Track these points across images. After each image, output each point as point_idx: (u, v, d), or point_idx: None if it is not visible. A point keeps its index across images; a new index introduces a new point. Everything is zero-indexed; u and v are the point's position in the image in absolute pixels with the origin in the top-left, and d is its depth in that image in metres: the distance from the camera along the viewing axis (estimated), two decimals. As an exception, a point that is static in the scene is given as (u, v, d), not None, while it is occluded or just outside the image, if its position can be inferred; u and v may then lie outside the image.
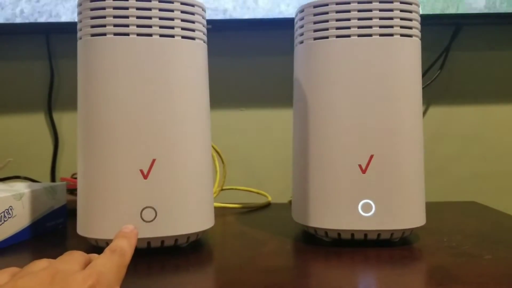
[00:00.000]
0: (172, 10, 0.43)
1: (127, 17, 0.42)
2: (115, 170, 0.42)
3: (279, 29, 0.77)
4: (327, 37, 0.46)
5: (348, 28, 0.45)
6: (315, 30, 0.47)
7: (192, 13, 0.45)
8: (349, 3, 0.45)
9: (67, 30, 0.67)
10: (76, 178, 0.48)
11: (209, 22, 0.50)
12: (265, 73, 0.82)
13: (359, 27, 0.45)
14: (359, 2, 0.45)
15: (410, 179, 0.46)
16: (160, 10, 0.43)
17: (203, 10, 0.46)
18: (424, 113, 0.81)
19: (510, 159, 0.82)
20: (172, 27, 0.43)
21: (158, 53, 0.43)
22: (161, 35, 0.43)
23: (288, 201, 0.71)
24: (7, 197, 0.47)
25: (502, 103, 0.82)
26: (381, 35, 0.45)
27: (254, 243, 0.49)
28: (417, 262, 0.43)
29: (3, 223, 0.46)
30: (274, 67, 0.81)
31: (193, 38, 0.45)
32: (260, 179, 0.81)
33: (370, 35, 0.45)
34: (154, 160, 0.43)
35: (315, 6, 0.46)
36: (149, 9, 0.43)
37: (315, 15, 0.47)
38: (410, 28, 0.46)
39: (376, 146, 0.45)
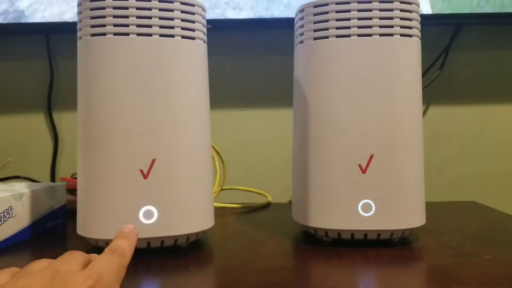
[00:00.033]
0: (172, 10, 0.43)
1: (127, 17, 0.42)
2: (115, 170, 0.42)
3: (279, 29, 0.77)
4: (327, 37, 0.46)
5: (348, 28, 0.45)
6: (315, 30, 0.47)
7: (192, 13, 0.45)
8: (349, 3, 0.45)
9: (67, 30, 0.67)
10: (76, 178, 0.48)
11: (209, 22, 0.50)
12: (265, 73, 0.82)
13: (359, 27, 0.45)
14: (359, 2, 0.45)
15: (410, 179, 0.46)
16: (160, 10, 0.43)
17: (203, 10, 0.46)
18: (424, 113, 0.81)
19: (510, 159, 0.82)
20: (172, 27, 0.43)
21: (158, 53, 0.43)
22: (161, 35, 0.43)
23: (288, 201, 0.71)
24: (7, 197, 0.47)
25: (502, 103, 0.82)
26: (381, 35, 0.45)
27: (254, 243, 0.49)
28: (417, 262, 0.43)
29: (3, 223, 0.46)
30: (274, 67, 0.81)
31: (193, 38, 0.45)
32: (260, 179, 0.81)
33: (370, 35, 0.45)
34: (154, 160, 0.43)
35: (315, 6, 0.46)
36: (149, 9, 0.43)
37: (315, 15, 0.47)
38: (410, 28, 0.46)
39: (376, 146, 0.45)
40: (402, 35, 0.45)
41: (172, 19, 0.43)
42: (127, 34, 0.42)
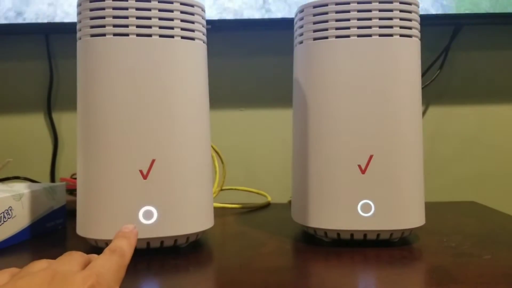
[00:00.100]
0: (171, 11, 0.43)
1: (126, 17, 0.42)
2: (115, 170, 0.42)
3: (279, 29, 0.77)
4: (326, 37, 0.46)
5: (348, 28, 0.45)
6: (315, 30, 0.47)
7: (192, 13, 0.45)
8: (348, 3, 0.45)
9: (67, 30, 0.67)
10: (75, 178, 0.48)
11: (209, 22, 0.50)
12: (265, 73, 0.82)
13: (358, 27, 0.45)
14: (358, 2, 0.45)
15: (410, 179, 0.46)
16: (160, 10, 0.43)
17: (203, 10, 0.46)
18: (424, 113, 0.81)
19: (510, 159, 0.82)
20: (172, 28, 0.43)
21: (158, 54, 0.43)
22: (160, 36, 0.43)
23: (287, 201, 0.71)
24: (7, 197, 0.47)
25: (501, 103, 0.82)
26: (380, 35, 0.45)
27: (254, 243, 0.49)
28: (417, 262, 0.43)
29: (2, 223, 0.46)
30: (274, 67, 0.81)
31: (192, 39, 0.45)
32: (260, 179, 0.81)
33: (369, 35, 0.45)
34: (153, 161, 0.43)
35: (314, 6, 0.47)
36: (149, 9, 0.43)
37: (314, 15, 0.47)
38: (410, 28, 0.46)
39: (376, 146, 0.45)
40: (401, 35, 0.45)
41: (171, 19, 0.43)
42: (127, 34, 0.42)
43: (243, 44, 0.81)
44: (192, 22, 0.45)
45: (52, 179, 0.82)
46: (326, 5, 0.46)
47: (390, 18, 0.45)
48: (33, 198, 0.51)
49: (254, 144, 0.82)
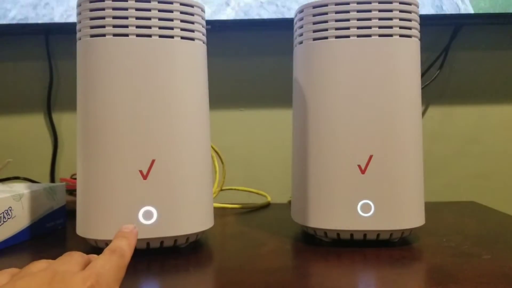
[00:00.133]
0: (171, 11, 0.43)
1: (126, 18, 0.42)
2: (115, 170, 0.42)
3: (279, 29, 0.77)
4: (326, 38, 0.46)
5: (348, 28, 0.45)
6: (315, 31, 0.47)
7: (192, 14, 0.45)
8: (348, 3, 0.45)
9: (67, 30, 0.67)
10: (75, 178, 0.48)
11: (209, 22, 0.50)
12: (265, 73, 0.82)
13: (358, 28, 0.45)
14: (358, 3, 0.45)
15: (409, 179, 0.46)
16: (160, 10, 0.43)
17: (203, 10, 0.46)
18: (423, 113, 0.82)
19: (509, 159, 0.82)
20: (172, 28, 0.43)
21: (158, 54, 0.43)
22: (160, 36, 0.43)
23: (287, 201, 0.71)
24: (7, 197, 0.47)
25: (501, 103, 0.82)
26: (380, 35, 0.45)
27: (254, 244, 0.49)
28: (417, 262, 0.43)
29: (2, 224, 0.46)
30: (274, 67, 0.81)
31: (192, 39, 0.45)
32: (260, 179, 0.81)
33: (369, 36, 0.45)
34: (153, 161, 0.43)
35: (314, 7, 0.47)
36: (149, 9, 0.43)
37: (314, 15, 0.47)
38: (410, 28, 0.46)
39: (375, 146, 0.45)
40: (401, 35, 0.45)
41: (171, 20, 0.43)
42: (127, 35, 0.42)
43: (243, 44, 0.81)
44: (192, 23, 0.45)
45: (52, 180, 0.82)
46: (326, 5, 0.46)
47: (390, 18, 0.45)
48: (33, 199, 0.51)
49: (254, 144, 0.82)
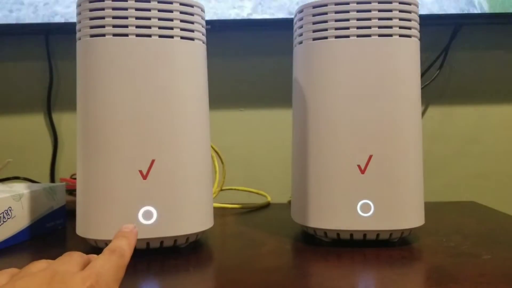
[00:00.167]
0: (171, 11, 0.43)
1: (126, 17, 0.42)
2: (114, 170, 0.42)
3: (279, 29, 0.77)
4: (326, 38, 0.46)
5: (347, 28, 0.45)
6: (314, 31, 0.47)
7: (191, 14, 0.45)
8: (348, 3, 0.45)
9: (67, 30, 0.67)
10: (75, 178, 0.48)
11: (208, 22, 0.50)
12: (265, 73, 0.82)
13: (358, 28, 0.45)
14: (358, 3, 0.45)
15: (409, 179, 0.46)
16: (159, 10, 0.43)
17: (202, 10, 0.46)
18: (423, 113, 0.82)
19: (509, 159, 0.82)
20: (171, 28, 0.43)
21: (157, 54, 0.43)
22: (160, 36, 0.43)
23: (287, 201, 0.71)
24: (6, 197, 0.47)
25: (501, 103, 0.82)
26: (380, 35, 0.45)
27: (254, 243, 0.49)
28: (416, 262, 0.43)
29: (2, 224, 0.46)
30: (274, 67, 0.81)
31: (192, 39, 0.45)
32: (260, 179, 0.81)
33: (369, 36, 0.45)
34: (153, 161, 0.43)
35: (314, 7, 0.47)
36: (148, 9, 0.43)
37: (314, 15, 0.47)
38: (409, 28, 0.46)
39: (375, 146, 0.45)
40: (401, 35, 0.45)
41: (171, 20, 0.43)
42: (126, 35, 0.42)
43: (243, 44, 0.82)
44: (192, 23, 0.45)
45: (52, 180, 0.82)
46: (326, 5, 0.46)
47: (390, 18, 0.45)
48: (33, 199, 0.51)
49: (254, 144, 0.82)
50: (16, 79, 0.83)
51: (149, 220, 0.43)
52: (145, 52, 0.42)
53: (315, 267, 0.42)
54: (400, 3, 0.45)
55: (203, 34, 0.46)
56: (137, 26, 0.42)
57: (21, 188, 0.53)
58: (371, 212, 0.45)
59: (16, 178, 0.70)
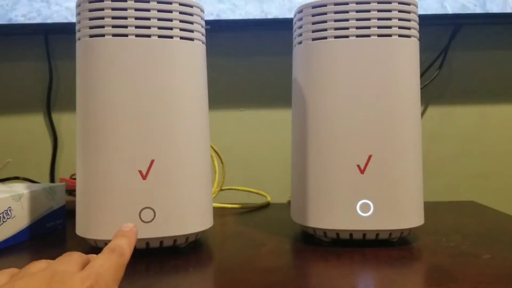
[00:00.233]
0: (170, 11, 0.43)
1: (125, 18, 0.42)
2: (114, 170, 0.42)
3: (279, 29, 0.77)
4: (325, 38, 0.46)
5: (347, 28, 0.45)
6: (314, 31, 0.47)
7: (191, 14, 0.45)
8: (347, 3, 0.45)
9: (66, 31, 0.67)
10: (75, 178, 0.48)
11: (208, 22, 0.50)
12: (264, 74, 0.82)
13: (357, 28, 0.45)
14: (357, 3, 0.45)
15: (409, 179, 0.46)
16: (159, 11, 0.43)
17: (202, 10, 0.46)
18: (423, 113, 0.82)
19: (509, 159, 0.82)
20: (171, 28, 0.43)
21: (157, 54, 0.43)
22: (159, 36, 0.43)
23: (287, 201, 0.71)
24: (6, 198, 0.47)
25: (500, 103, 0.82)
26: (379, 35, 0.45)
27: (253, 243, 0.49)
28: (416, 262, 0.43)
29: (2, 224, 0.47)
30: (274, 67, 0.81)
31: (191, 39, 0.45)
32: (259, 179, 0.81)
33: (368, 36, 0.45)
34: (152, 161, 0.43)
35: (313, 7, 0.47)
36: (148, 10, 0.43)
37: (313, 15, 0.47)
38: (409, 28, 0.46)
39: (375, 146, 0.45)
40: (400, 35, 0.45)
41: (170, 20, 0.43)
42: (126, 35, 0.42)
43: (243, 44, 0.82)
44: (191, 23, 0.45)
45: (52, 180, 0.82)
46: (325, 5, 0.46)
47: (389, 19, 0.45)
48: (33, 199, 0.51)
49: (254, 144, 0.82)
50: (16, 79, 0.83)
51: (149, 220, 0.43)
52: (144, 52, 0.42)
53: (315, 267, 0.42)
54: (399, 3, 0.45)
55: (202, 34, 0.46)
56: (137, 26, 0.42)
57: (20, 188, 0.53)
58: (371, 212, 0.45)
59: (16, 178, 0.70)
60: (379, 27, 0.45)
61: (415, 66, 0.47)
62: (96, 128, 0.43)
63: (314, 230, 0.48)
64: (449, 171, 0.82)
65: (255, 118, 0.82)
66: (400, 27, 0.45)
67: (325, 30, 0.46)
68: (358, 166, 0.45)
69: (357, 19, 0.45)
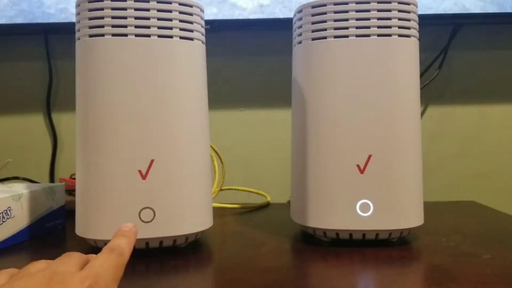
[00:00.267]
0: (170, 11, 0.43)
1: (125, 17, 0.42)
2: (114, 170, 0.42)
3: (279, 29, 0.77)
4: (325, 38, 0.46)
5: (346, 28, 0.45)
6: (313, 31, 0.47)
7: (190, 14, 0.45)
8: (347, 3, 0.45)
9: (66, 30, 0.67)
10: (74, 178, 0.48)
11: (208, 22, 0.50)
12: (265, 73, 0.82)
13: (357, 28, 0.45)
14: (357, 3, 0.45)
15: (408, 179, 0.46)
16: (158, 10, 0.43)
17: (201, 10, 0.46)
18: (422, 113, 0.82)
19: (509, 159, 0.82)
20: (170, 28, 0.43)
21: (156, 54, 0.43)
22: (159, 36, 0.43)
23: (287, 201, 0.71)
24: (6, 198, 0.47)
25: (500, 102, 0.82)
26: (379, 35, 0.45)
27: (253, 243, 0.49)
28: (416, 262, 0.43)
29: (1, 224, 0.47)
30: (274, 67, 0.81)
31: (191, 39, 0.45)
32: (259, 179, 0.81)
33: (368, 36, 0.45)
34: (152, 161, 0.43)
35: (313, 7, 0.47)
36: (147, 9, 0.43)
37: (313, 15, 0.47)
38: (408, 28, 0.46)
39: (374, 146, 0.45)
40: (400, 35, 0.45)
41: (170, 20, 0.43)
42: (125, 35, 0.42)
43: (243, 44, 0.82)
44: (191, 23, 0.45)
45: (52, 180, 0.82)
46: (325, 5, 0.46)
47: (389, 18, 0.45)
48: (32, 199, 0.51)
49: (254, 144, 0.82)
50: (16, 79, 0.83)
51: (149, 220, 0.43)
52: (144, 52, 0.42)
53: (315, 267, 0.42)
54: (399, 3, 0.45)
55: (202, 34, 0.46)
56: (136, 26, 0.42)
57: (20, 188, 0.53)
58: (370, 212, 0.45)
59: (15, 178, 0.70)
60: (378, 27, 0.45)
61: (415, 66, 0.47)
62: (95, 128, 0.43)
63: (314, 230, 0.48)
64: (449, 171, 0.82)
65: (255, 118, 0.82)
66: (400, 27, 0.45)
67: (325, 30, 0.46)
68: (358, 166, 0.45)
69: (357, 19, 0.45)
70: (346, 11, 0.45)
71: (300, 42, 0.48)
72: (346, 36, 0.45)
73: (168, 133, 0.43)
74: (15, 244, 0.48)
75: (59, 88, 0.82)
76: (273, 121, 0.81)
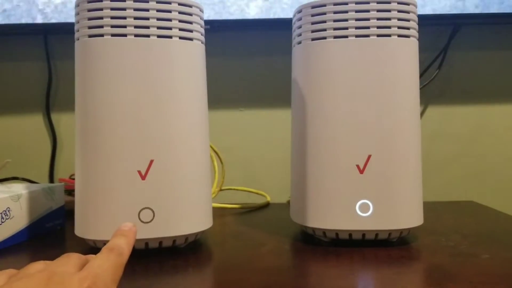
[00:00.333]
0: (169, 11, 0.43)
1: (124, 18, 0.42)
2: (113, 171, 0.42)
3: (278, 29, 0.77)
4: (324, 38, 0.46)
5: (346, 28, 0.45)
6: (313, 31, 0.47)
7: (190, 14, 0.45)
8: (346, 3, 0.45)
9: (66, 31, 0.67)
10: (74, 179, 0.48)
11: (207, 22, 0.50)
12: (264, 73, 0.82)
13: (356, 28, 0.45)
14: (356, 3, 0.45)
15: (408, 179, 0.46)
16: (158, 11, 0.43)
17: (201, 10, 0.46)
18: (422, 113, 0.82)
19: (508, 159, 0.82)
20: (170, 28, 0.43)
21: (156, 54, 0.43)
22: (158, 36, 0.43)
23: (286, 201, 0.71)
24: (5, 198, 0.47)
25: (500, 102, 0.82)
26: (378, 35, 0.45)
27: (253, 243, 0.49)
28: (415, 262, 0.43)
29: (0, 224, 0.46)
30: (274, 67, 0.81)
31: (191, 39, 0.45)
32: (259, 179, 0.81)
33: (367, 36, 0.45)
34: (152, 161, 0.43)
35: (313, 7, 0.47)
36: (147, 10, 0.43)
37: (313, 15, 0.47)
38: (408, 28, 0.46)
39: (374, 146, 0.45)
40: (399, 35, 0.45)
41: (169, 20, 0.43)
42: (125, 35, 0.42)
43: (243, 44, 0.81)
44: (190, 23, 0.45)
45: (51, 180, 0.82)
46: (324, 5, 0.46)
47: (388, 19, 0.45)
48: (32, 199, 0.51)
49: (254, 144, 0.82)
50: (15, 80, 0.82)
51: (148, 220, 0.43)
52: (143, 52, 0.42)
53: (314, 267, 0.42)
54: (398, 3, 0.45)
55: (201, 34, 0.46)
56: (136, 26, 0.42)
57: (19, 188, 0.53)
58: (370, 212, 0.45)
59: (14, 178, 0.70)
60: (378, 27, 0.45)
61: (415, 66, 0.47)
62: (95, 128, 0.43)
63: (313, 230, 0.48)
64: (449, 171, 0.82)
65: (255, 118, 0.82)
66: (399, 27, 0.45)
67: (324, 30, 0.46)
68: (358, 166, 0.45)
69: (357, 19, 0.45)
70: (346, 11, 0.45)
71: (299, 42, 0.48)
72: (346, 37, 0.45)
73: (167, 134, 0.43)
74: (14, 244, 0.48)
75: (59, 89, 0.82)
76: (273, 121, 0.81)
